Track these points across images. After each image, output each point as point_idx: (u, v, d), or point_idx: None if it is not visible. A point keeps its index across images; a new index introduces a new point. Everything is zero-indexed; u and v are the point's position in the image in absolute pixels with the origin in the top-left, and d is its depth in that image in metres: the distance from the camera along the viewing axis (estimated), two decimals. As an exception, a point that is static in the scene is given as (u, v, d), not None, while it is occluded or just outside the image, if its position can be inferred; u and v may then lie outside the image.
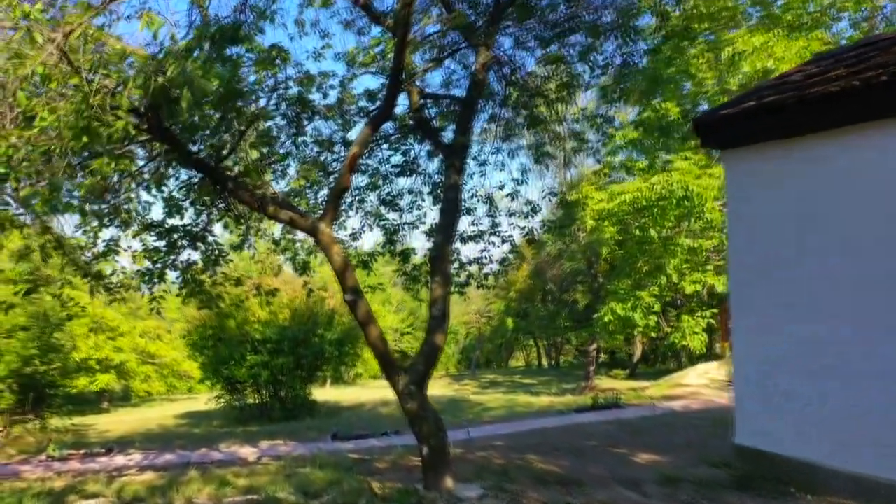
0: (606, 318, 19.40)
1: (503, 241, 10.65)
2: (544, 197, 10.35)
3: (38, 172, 5.35)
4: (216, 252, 9.31)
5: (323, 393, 24.07)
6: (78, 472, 11.48)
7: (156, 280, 9.36)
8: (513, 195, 10.26)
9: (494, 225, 10.60)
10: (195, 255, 9.46)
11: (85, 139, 5.21)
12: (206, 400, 21.61)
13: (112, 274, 9.61)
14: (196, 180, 8.63)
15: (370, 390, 34.11)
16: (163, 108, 6.04)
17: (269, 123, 8.22)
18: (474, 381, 33.32)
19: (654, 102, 18.51)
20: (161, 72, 5.41)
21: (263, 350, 19.50)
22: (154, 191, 7.96)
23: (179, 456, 12.89)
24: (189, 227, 9.11)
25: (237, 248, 9.71)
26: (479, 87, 8.57)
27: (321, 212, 7.89)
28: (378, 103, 8.90)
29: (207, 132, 6.84)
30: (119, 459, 12.71)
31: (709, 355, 28.52)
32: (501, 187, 10.63)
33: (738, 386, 8.16)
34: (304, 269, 9.64)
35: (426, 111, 9.35)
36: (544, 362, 49.83)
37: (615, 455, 9.39)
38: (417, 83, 8.99)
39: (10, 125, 5.21)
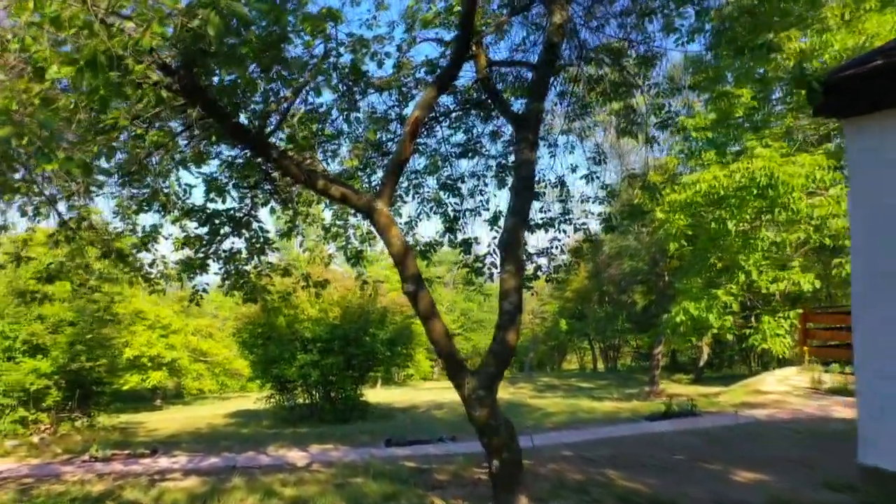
0: (678, 319, 17.99)
1: (576, 230, 9.56)
2: (623, 179, 9.20)
3: (54, 135, 4.46)
4: (261, 240, 8.49)
5: (374, 394, 23.23)
6: (119, 475, 10.88)
7: (197, 270, 8.61)
8: (589, 177, 9.15)
9: (566, 212, 9.50)
10: (239, 244, 8.67)
11: (102, 91, 4.37)
12: (255, 399, 21.02)
13: (152, 263, 8.91)
14: (239, 160, 7.83)
15: (422, 392, 33.27)
16: (196, 62, 5.20)
17: (318, 100, 7.36)
18: (530, 384, 32.08)
19: (725, 88, 17.10)
20: (192, 15, 4.55)
21: (313, 349, 18.76)
22: (194, 168, 7.16)
23: (225, 459, 12.19)
24: (232, 212, 8.32)
25: (284, 235, 8.89)
26: (553, 51, 7.51)
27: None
28: (439, 73, 7.92)
29: (248, 95, 5.98)
30: (163, 461, 12.09)
31: (783, 360, 26.78)
32: (574, 169, 9.55)
33: (864, 399, 6.89)
34: (356, 259, 8.72)
35: (493, 82, 8.32)
36: (600, 365, 48.15)
37: (709, 472, 8.19)
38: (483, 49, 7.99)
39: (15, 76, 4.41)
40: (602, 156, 9.26)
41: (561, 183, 9.53)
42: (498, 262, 9.45)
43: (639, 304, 37.47)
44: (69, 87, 5.05)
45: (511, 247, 6.71)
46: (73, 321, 15.47)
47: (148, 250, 8.69)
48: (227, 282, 8.68)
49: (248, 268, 8.74)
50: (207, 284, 8.85)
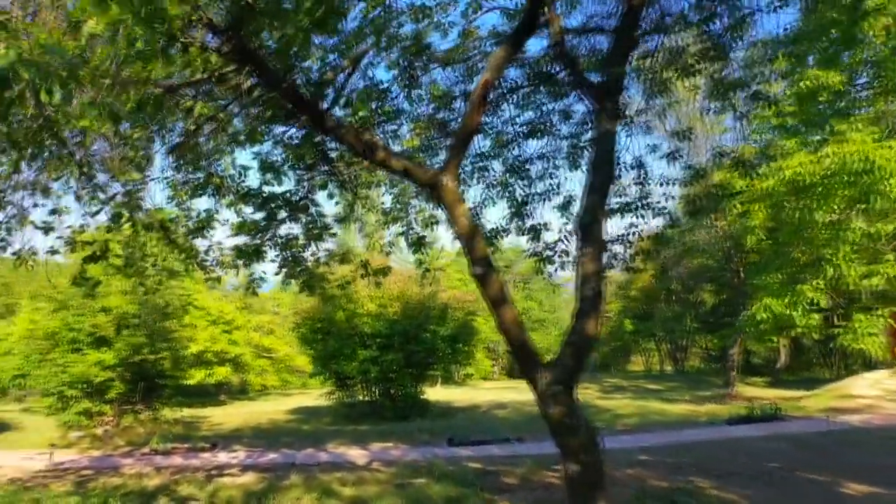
0: (760, 316, 16.76)
1: (655, 215, 8.73)
2: (715, 157, 8.32)
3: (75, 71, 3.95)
4: (319, 225, 8.03)
5: (434, 393, 22.69)
6: (177, 469, 10.67)
7: (252, 257, 8.22)
8: (672, 156, 8.32)
9: (644, 195, 8.69)
10: (296, 230, 8.23)
11: (140, 44, 3.94)
12: (316, 396, 20.84)
13: (208, 250, 8.56)
14: (295, 141, 7.38)
15: (482, 392, 32.61)
16: (244, 21, 4.74)
17: (377, 75, 6.84)
18: (596, 385, 31.02)
19: (809, 71, 15.83)
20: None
21: (373, 345, 18.38)
22: (248, 147, 6.75)
23: (284, 456, 11.88)
24: (288, 196, 7.88)
25: (342, 220, 8.40)
26: (633, 16, 6.78)
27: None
28: (511, 32, 7.28)
29: (301, 59, 5.48)
30: (222, 456, 11.86)
31: (870, 363, 25.07)
32: (654, 149, 8.74)
33: None
34: (417, 245, 8.13)
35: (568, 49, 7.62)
36: (667, 367, 46.43)
37: (813, 483, 7.30)
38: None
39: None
40: (686, 132, 8.41)
41: (639, 164, 8.73)
42: (570, 249, 8.79)
43: (707, 303, 35.85)
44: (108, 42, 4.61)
45: (590, 227, 6.03)
46: (136, 314, 15.47)
47: (203, 236, 8.34)
48: (283, 269, 8.26)
49: (305, 255, 8.30)
50: (265, 273, 8.45)
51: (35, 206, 7.57)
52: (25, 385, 15.31)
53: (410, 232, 8.22)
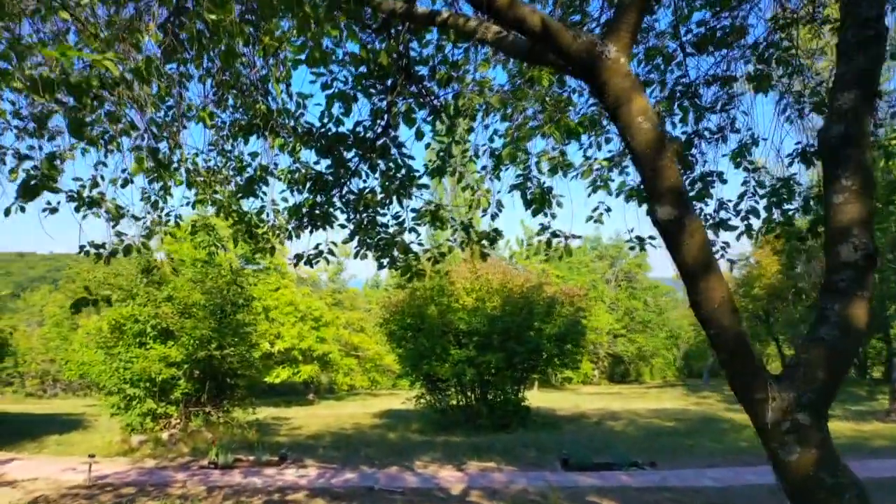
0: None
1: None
2: None
3: None
4: (404, 171, 5.82)
5: (530, 397, 20.10)
6: (235, 488, 8.79)
7: (317, 221, 6.15)
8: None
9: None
10: (371, 182, 6.07)
11: None
12: (404, 399, 18.76)
13: (261, 211, 6.54)
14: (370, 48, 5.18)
15: (585, 397, 29.82)
16: None
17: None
18: (716, 394, 27.55)
19: None
20: None
21: (469, 344, 16.12)
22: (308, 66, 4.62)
23: (362, 476, 9.81)
24: (361, 134, 5.73)
25: (435, 172, 6.15)
26: None
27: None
28: None
29: None
30: (289, 474, 9.91)
31: None
32: None
33: None
34: (541, 203, 5.75)
35: None
36: (791, 375, 41.72)
37: None
38: None
39: None
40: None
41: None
42: (759, 207, 6.23)
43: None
44: None
45: (846, 144, 3.50)
46: (203, 303, 13.87)
47: (254, 194, 6.34)
48: (356, 237, 6.15)
49: (385, 218, 6.15)
50: (334, 244, 6.34)
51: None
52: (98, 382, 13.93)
53: (530, 186, 5.85)
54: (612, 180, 6.22)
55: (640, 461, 10.61)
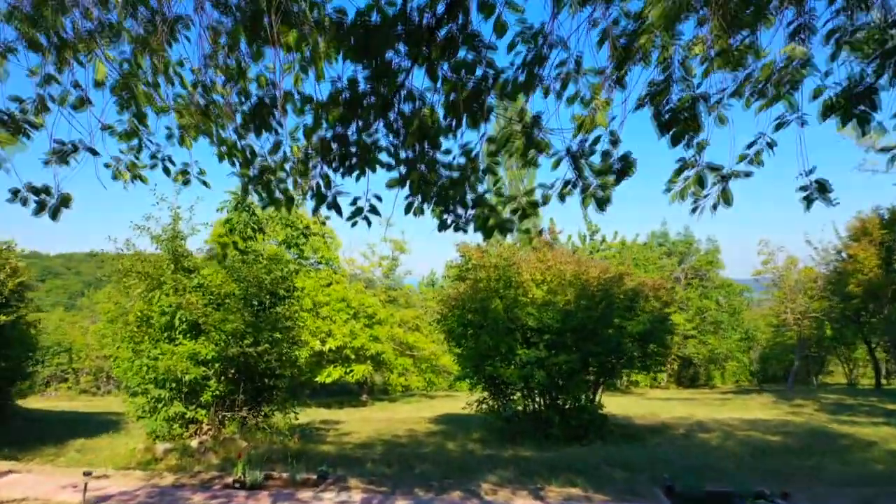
0: None
1: None
2: None
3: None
4: (479, 74, 3.91)
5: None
6: (259, 520, 7.09)
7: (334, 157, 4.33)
8: None
9: None
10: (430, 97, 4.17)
11: None
12: (464, 403, 16.79)
13: (276, 148, 4.73)
14: None
15: (657, 403, 27.20)
16: None
17: None
18: (811, 402, 24.60)
19: None
20: None
21: (539, 342, 14.08)
22: None
23: (417, 502, 7.97)
24: (412, 19, 3.85)
25: (527, 78, 4.20)
26: None
27: None
28: None
29: None
30: (328, 499, 8.11)
31: None
32: None
33: None
34: (686, 122, 3.75)
35: None
36: (884, 381, 38.02)
37: None
38: None
39: None
40: None
41: None
42: None
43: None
44: None
45: None
46: (237, 293, 12.20)
47: (267, 126, 4.56)
48: (407, 182, 4.29)
49: (449, 157, 4.28)
50: (378, 199, 4.51)
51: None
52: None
53: (672, 95, 3.84)
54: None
55: (766, 491, 8.38)
